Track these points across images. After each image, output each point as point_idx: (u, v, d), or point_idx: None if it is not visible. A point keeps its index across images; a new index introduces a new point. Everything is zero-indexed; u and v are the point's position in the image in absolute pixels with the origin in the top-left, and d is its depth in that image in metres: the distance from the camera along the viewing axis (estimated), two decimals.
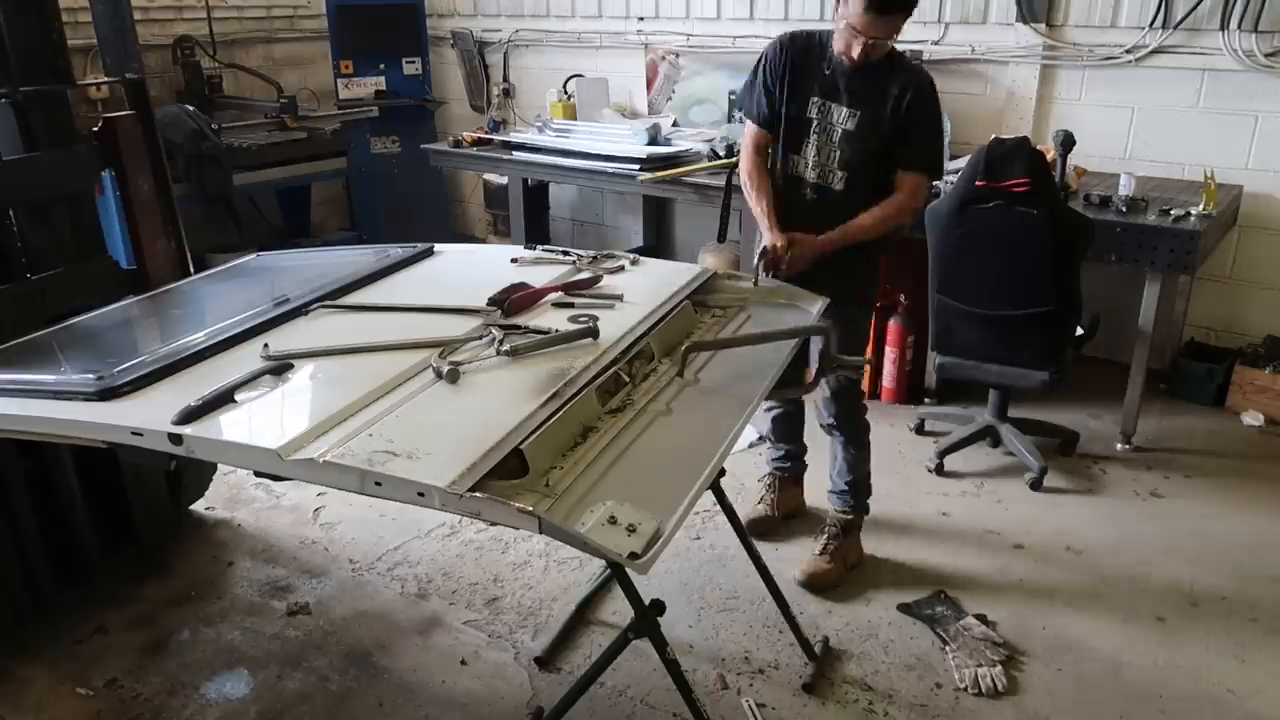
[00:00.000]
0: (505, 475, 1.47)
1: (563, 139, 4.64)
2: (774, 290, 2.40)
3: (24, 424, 1.79)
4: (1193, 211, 3.30)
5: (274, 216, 5.87)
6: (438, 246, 2.69)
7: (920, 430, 3.71)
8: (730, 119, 4.83)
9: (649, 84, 5.19)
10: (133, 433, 1.65)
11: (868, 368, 3.83)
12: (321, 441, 1.54)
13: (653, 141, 4.33)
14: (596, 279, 2.33)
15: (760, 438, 3.62)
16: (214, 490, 3.23)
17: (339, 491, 1.56)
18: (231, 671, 2.48)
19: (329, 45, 5.70)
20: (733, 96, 4.84)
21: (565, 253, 2.51)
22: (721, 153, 4.18)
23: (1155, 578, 2.80)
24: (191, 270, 2.89)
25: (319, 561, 2.95)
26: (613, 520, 1.39)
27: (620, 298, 2.19)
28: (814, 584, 2.73)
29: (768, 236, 2.55)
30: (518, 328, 1.98)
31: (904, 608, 2.66)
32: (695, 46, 4.99)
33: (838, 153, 2.53)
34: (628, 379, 1.87)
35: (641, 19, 5.18)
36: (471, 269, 2.61)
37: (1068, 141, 3.47)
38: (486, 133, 4.98)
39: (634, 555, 1.33)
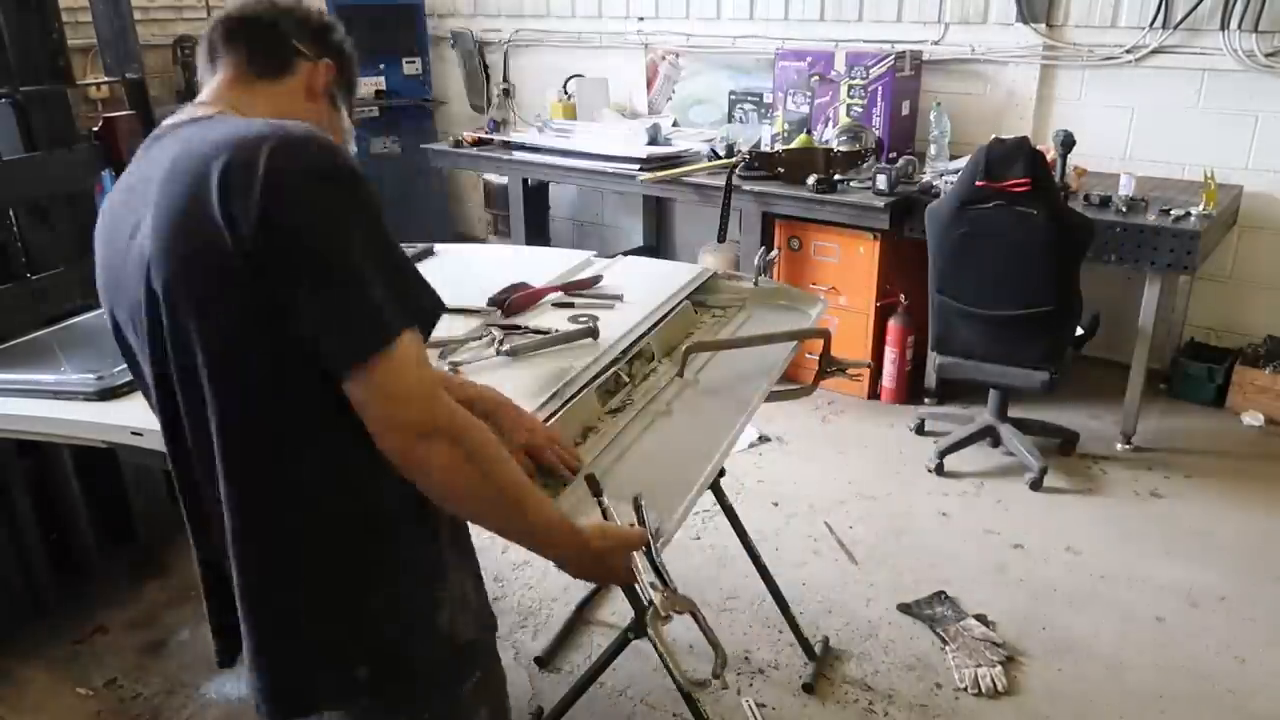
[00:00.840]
0: None
1: (563, 139, 4.64)
2: (774, 291, 2.40)
3: (24, 424, 1.79)
4: (1193, 211, 3.30)
5: None
6: (438, 246, 2.69)
7: (920, 430, 3.72)
8: (730, 119, 4.84)
9: (649, 84, 5.19)
10: (133, 433, 1.64)
11: (868, 370, 3.84)
12: None
13: (653, 141, 4.33)
14: (596, 279, 2.33)
15: (760, 437, 3.63)
16: None
17: None
18: (231, 671, 2.48)
19: None
20: (733, 97, 4.84)
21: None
22: (721, 153, 4.19)
23: (1155, 578, 2.80)
24: None
25: None
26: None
27: (620, 298, 2.19)
28: None
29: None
30: (518, 328, 1.98)
31: (904, 608, 2.66)
32: (695, 46, 4.99)
33: None
34: (628, 379, 1.87)
35: (641, 19, 5.18)
36: (471, 269, 2.61)
37: (1068, 141, 3.47)
38: (486, 133, 4.98)
39: None
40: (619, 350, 1.92)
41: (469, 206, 6.39)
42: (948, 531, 3.06)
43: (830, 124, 4.22)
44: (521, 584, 2.79)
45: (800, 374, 3.05)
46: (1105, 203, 3.44)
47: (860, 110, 4.13)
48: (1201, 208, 3.31)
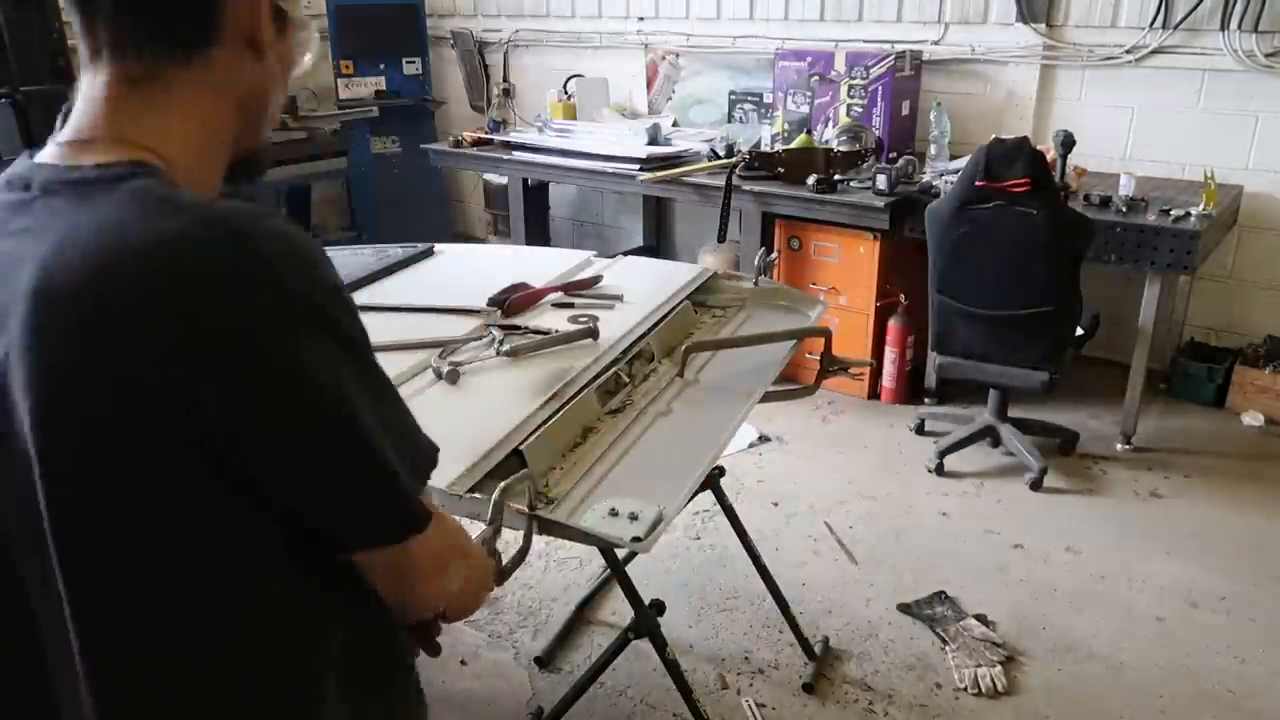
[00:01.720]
0: (505, 476, 1.46)
1: (563, 139, 4.64)
2: (774, 291, 2.40)
3: None
4: (1193, 211, 3.30)
5: None
6: (438, 246, 2.69)
7: (920, 430, 3.71)
8: (730, 119, 4.84)
9: (649, 84, 5.19)
10: None
11: (868, 369, 3.83)
12: None
13: (653, 141, 4.32)
14: (596, 279, 2.33)
15: (760, 437, 3.63)
16: None
17: None
18: None
19: (329, 45, 5.69)
20: (733, 97, 4.84)
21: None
22: (721, 153, 4.19)
23: (1155, 578, 2.80)
24: None
25: None
26: (614, 513, 1.39)
27: (620, 298, 2.19)
28: None
29: None
30: (518, 328, 1.98)
31: (904, 608, 2.66)
32: (695, 46, 4.99)
33: None
34: (628, 379, 1.87)
35: (641, 19, 5.18)
36: (471, 269, 2.61)
37: (1068, 141, 3.47)
38: (486, 133, 4.98)
39: (636, 539, 1.34)
40: (619, 350, 1.92)
41: (469, 206, 6.39)
42: (948, 531, 3.06)
43: (830, 124, 4.22)
44: (521, 584, 2.79)
45: (801, 374, 3.05)
46: (1105, 203, 3.44)
47: (860, 110, 4.13)
48: (1201, 208, 3.31)
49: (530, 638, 2.58)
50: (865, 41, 4.39)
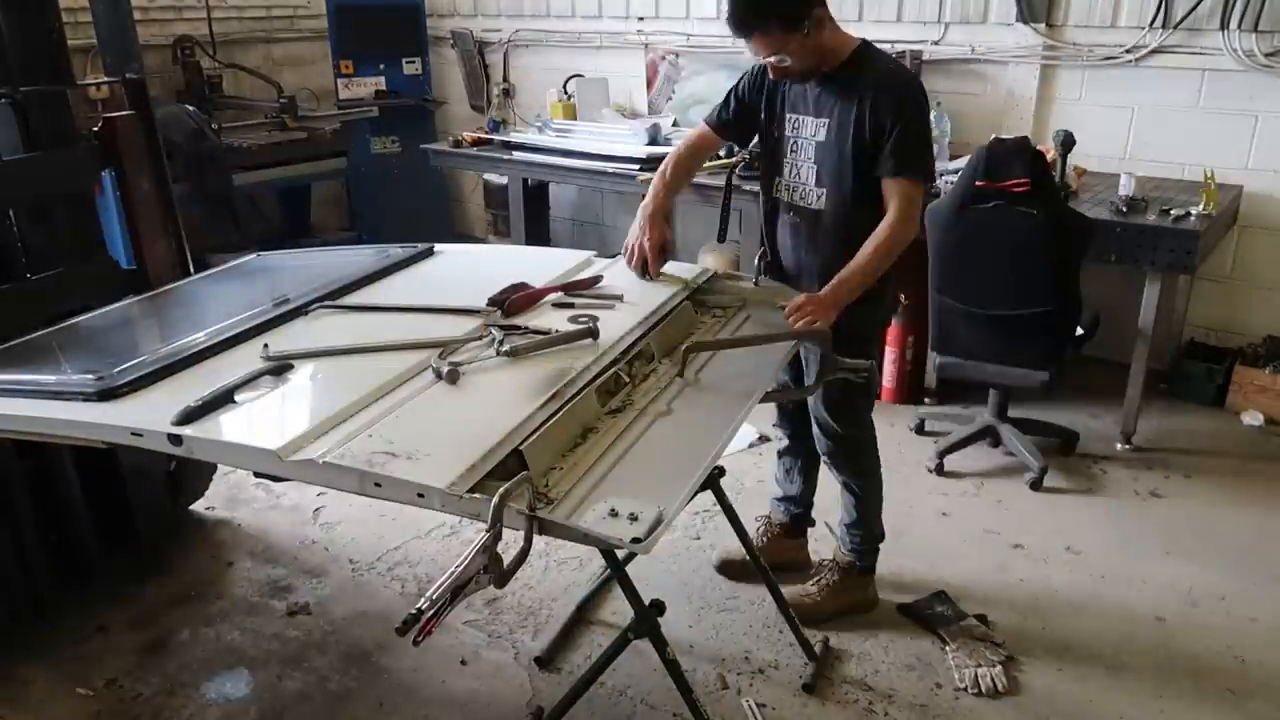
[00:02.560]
0: (505, 476, 1.47)
1: (563, 139, 4.64)
2: (774, 291, 2.39)
3: (24, 424, 1.79)
4: (1193, 211, 3.30)
5: (274, 216, 5.87)
6: (438, 246, 2.69)
7: (920, 430, 3.71)
8: None
9: (649, 84, 5.18)
10: (132, 433, 1.65)
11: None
12: (321, 442, 1.54)
13: (653, 141, 4.32)
14: (596, 279, 2.33)
15: (760, 437, 3.63)
16: (214, 490, 3.23)
17: (339, 491, 1.56)
18: (231, 671, 2.48)
19: (329, 45, 5.70)
20: None
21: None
22: (721, 153, 4.18)
23: (1155, 578, 2.80)
24: (191, 270, 2.89)
25: (319, 561, 2.95)
26: (613, 513, 1.39)
27: (620, 298, 2.19)
28: (797, 610, 2.49)
29: (639, 231, 2.46)
30: (518, 328, 1.98)
31: (904, 608, 2.66)
32: (695, 46, 4.99)
33: (814, 169, 2.30)
34: (628, 379, 1.87)
35: (641, 19, 5.18)
36: (471, 269, 2.61)
37: (1068, 141, 3.47)
38: (486, 133, 4.98)
39: (636, 540, 1.34)
40: (619, 350, 1.92)
41: (469, 206, 6.39)
42: (948, 531, 3.06)
43: None
44: (521, 584, 2.79)
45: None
46: (1105, 203, 3.44)
47: None
48: (1201, 208, 3.31)
49: (530, 638, 2.58)
50: None
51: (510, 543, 1.36)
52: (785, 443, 2.73)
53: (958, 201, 3.10)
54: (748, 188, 3.90)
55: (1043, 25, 4.02)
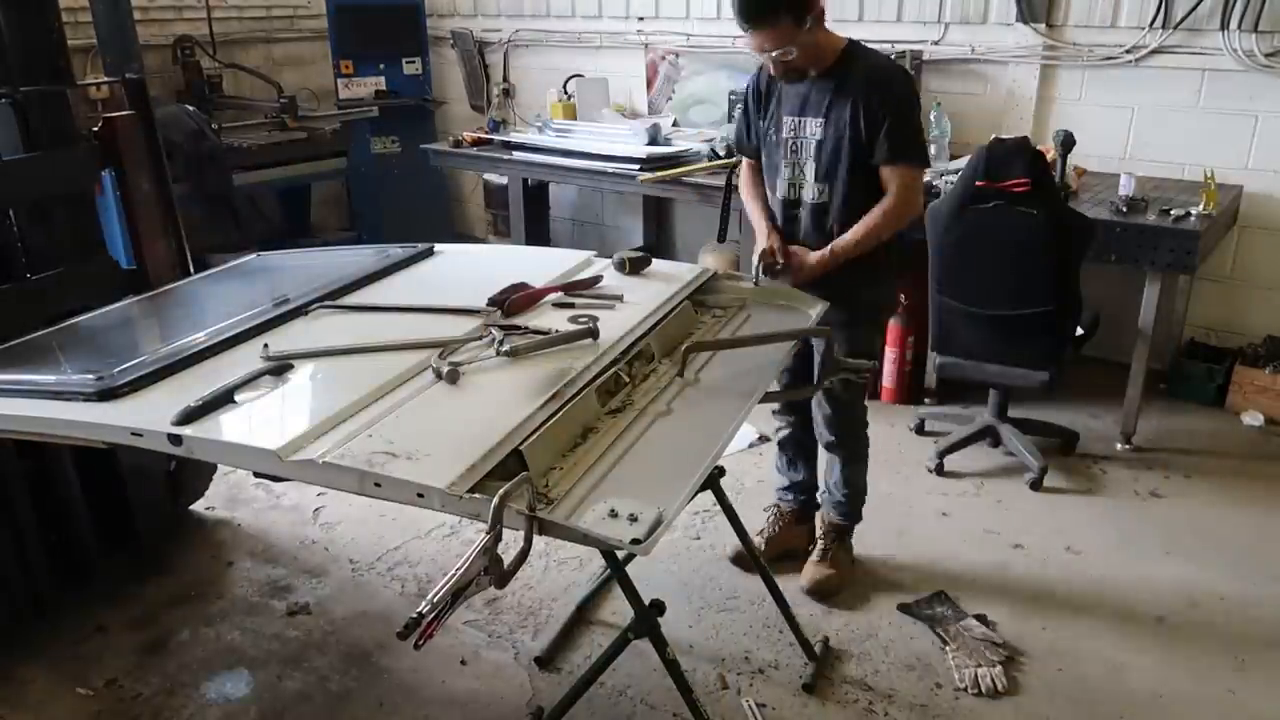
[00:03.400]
0: (505, 476, 1.47)
1: (563, 139, 4.64)
2: (774, 291, 2.40)
3: (24, 424, 1.79)
4: (1193, 211, 3.30)
5: (274, 216, 5.87)
6: (438, 246, 2.69)
7: (920, 430, 3.71)
8: (730, 119, 4.84)
9: (649, 84, 5.19)
10: (132, 433, 1.65)
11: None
12: (321, 442, 1.54)
13: (653, 141, 4.32)
14: (596, 279, 2.33)
15: (760, 437, 3.63)
16: (214, 490, 3.23)
17: (339, 491, 1.56)
18: (231, 671, 2.48)
19: (329, 45, 5.69)
20: (733, 97, 4.83)
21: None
22: (721, 153, 4.18)
23: (1155, 578, 2.80)
24: (191, 270, 2.89)
25: (319, 561, 2.95)
26: (613, 514, 1.39)
27: (620, 298, 2.19)
28: (820, 590, 2.68)
29: (761, 240, 2.56)
30: (518, 328, 1.98)
31: (904, 608, 2.66)
32: (695, 46, 4.99)
33: (814, 165, 2.44)
34: (628, 379, 1.87)
35: (641, 19, 5.18)
36: (471, 269, 2.61)
37: (1068, 141, 3.47)
38: (486, 133, 4.98)
39: (635, 541, 1.34)
40: (619, 351, 1.92)
41: (469, 206, 6.39)
42: (948, 531, 3.06)
43: None
44: (521, 584, 2.79)
45: None
46: (1105, 203, 3.44)
47: None
48: (1201, 208, 3.31)
49: (530, 638, 2.58)
50: (865, 41, 4.37)
51: (510, 543, 1.36)
52: (786, 432, 2.83)
53: (958, 202, 3.09)
54: None
55: (1043, 25, 4.02)
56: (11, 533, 2.47)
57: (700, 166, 4.14)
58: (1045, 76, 4.10)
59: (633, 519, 1.37)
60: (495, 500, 1.33)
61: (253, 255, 2.81)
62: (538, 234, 5.07)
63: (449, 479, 1.41)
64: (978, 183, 3.02)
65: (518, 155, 4.67)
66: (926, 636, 2.56)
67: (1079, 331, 3.31)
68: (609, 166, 4.27)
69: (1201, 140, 3.82)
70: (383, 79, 5.72)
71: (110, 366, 1.84)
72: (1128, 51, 3.88)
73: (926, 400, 3.95)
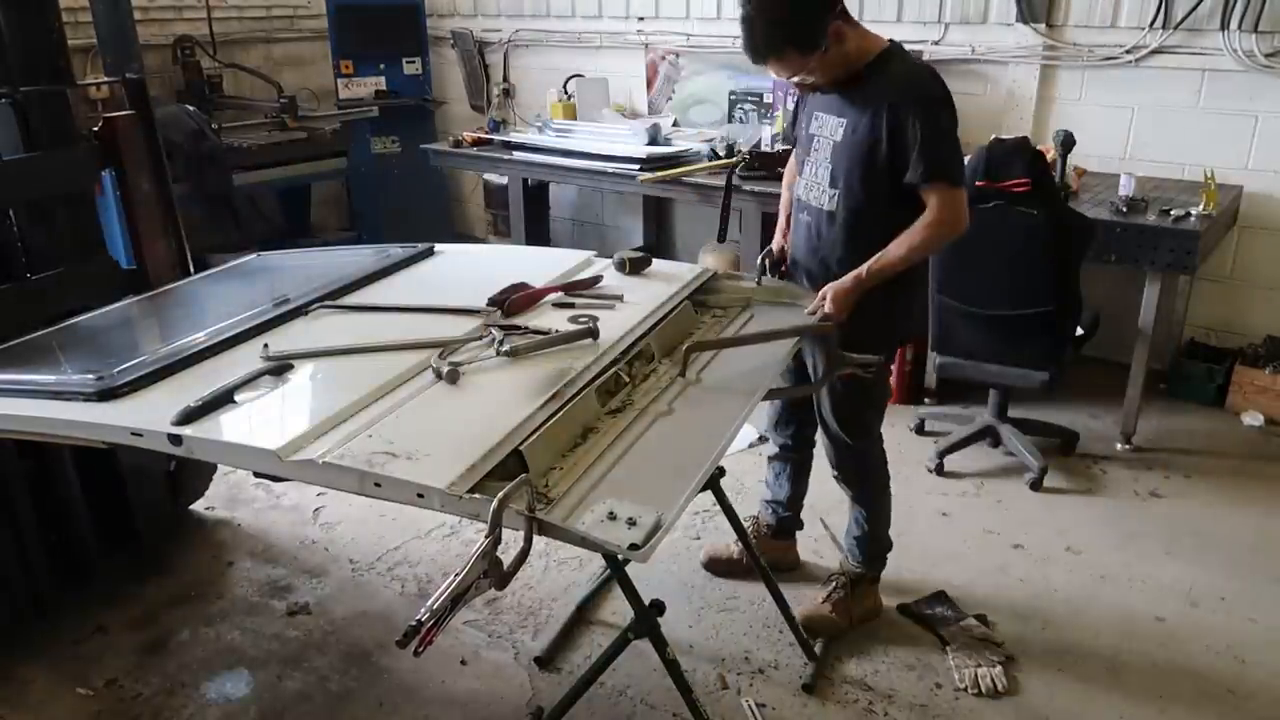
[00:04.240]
0: (505, 476, 1.47)
1: (563, 139, 4.64)
2: (775, 290, 2.39)
3: (24, 424, 1.79)
4: (1193, 211, 3.30)
5: (274, 216, 5.87)
6: (438, 246, 2.69)
7: (920, 430, 3.71)
8: (730, 119, 4.84)
9: (649, 84, 5.19)
10: (132, 433, 1.65)
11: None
12: (321, 442, 1.54)
13: (653, 141, 4.32)
14: (596, 279, 2.33)
15: (761, 438, 3.63)
16: (214, 490, 3.23)
17: (339, 491, 1.56)
18: (231, 671, 2.48)
19: (329, 45, 5.69)
20: (733, 97, 4.84)
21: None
22: (721, 153, 4.18)
23: (1155, 578, 2.80)
24: (191, 270, 2.89)
25: (319, 561, 2.95)
26: (612, 516, 1.39)
27: (620, 298, 2.19)
28: (808, 627, 2.51)
29: (776, 239, 2.53)
30: (518, 328, 1.98)
31: (904, 608, 2.66)
32: (695, 46, 4.99)
33: (829, 169, 2.26)
34: (628, 379, 1.87)
35: (641, 19, 5.18)
36: (471, 269, 2.61)
37: (1068, 141, 3.47)
38: (486, 133, 4.98)
39: (634, 546, 1.33)
40: (619, 350, 1.92)
41: (469, 206, 6.39)
42: (948, 531, 3.06)
43: None
44: (521, 584, 2.79)
45: None
46: (1105, 203, 3.43)
47: None
48: (1201, 208, 3.31)
49: (530, 638, 2.57)
50: None
51: (510, 543, 1.36)
52: (776, 449, 2.75)
53: None
54: (748, 188, 3.91)
55: (1043, 25, 4.02)
56: (12, 533, 2.47)
57: (700, 166, 4.14)
58: (1045, 76, 4.10)
59: (631, 523, 1.37)
60: (495, 503, 1.33)
61: (253, 255, 2.81)
62: (538, 234, 5.07)
63: (449, 479, 1.41)
64: (978, 183, 3.02)
65: (518, 155, 4.67)
66: (926, 636, 2.56)
67: (1079, 331, 3.31)
68: (609, 166, 4.27)
69: (1201, 140, 3.82)
70: (383, 79, 5.72)
71: (110, 366, 1.84)
72: (1128, 52, 3.88)
73: (926, 400, 3.95)
